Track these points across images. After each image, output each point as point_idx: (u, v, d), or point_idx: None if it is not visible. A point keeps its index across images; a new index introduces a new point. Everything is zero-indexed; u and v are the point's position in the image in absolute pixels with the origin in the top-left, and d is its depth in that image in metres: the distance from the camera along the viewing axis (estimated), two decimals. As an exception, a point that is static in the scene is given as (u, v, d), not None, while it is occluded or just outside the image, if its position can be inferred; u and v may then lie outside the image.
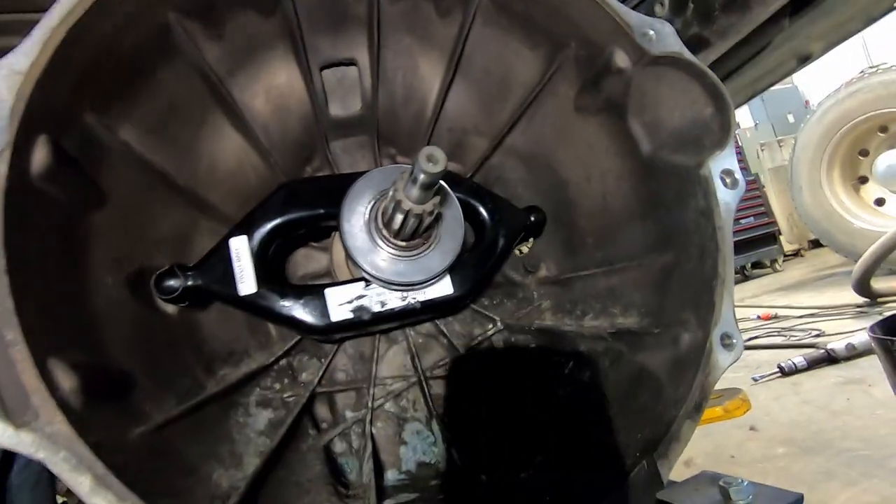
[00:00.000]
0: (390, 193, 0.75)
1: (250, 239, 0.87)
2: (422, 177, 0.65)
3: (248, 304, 0.84)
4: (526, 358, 1.08)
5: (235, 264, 0.85)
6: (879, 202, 5.90)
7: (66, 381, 0.54)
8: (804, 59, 1.88)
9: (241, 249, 0.85)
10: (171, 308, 0.87)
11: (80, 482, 0.50)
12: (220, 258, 0.85)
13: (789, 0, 1.19)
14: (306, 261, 1.09)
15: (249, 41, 0.92)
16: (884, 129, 5.71)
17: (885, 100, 5.52)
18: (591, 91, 0.98)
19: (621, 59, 0.90)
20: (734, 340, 0.74)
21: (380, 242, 0.83)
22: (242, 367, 0.96)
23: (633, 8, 1.58)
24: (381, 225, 0.82)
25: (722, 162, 0.83)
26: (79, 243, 0.69)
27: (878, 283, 4.29)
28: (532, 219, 1.07)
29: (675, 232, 0.88)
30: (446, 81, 1.09)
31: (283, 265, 1.03)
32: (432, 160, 0.63)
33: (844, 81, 5.75)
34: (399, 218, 0.77)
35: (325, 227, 1.01)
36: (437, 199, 0.73)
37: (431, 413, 1.04)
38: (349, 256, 0.84)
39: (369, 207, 0.83)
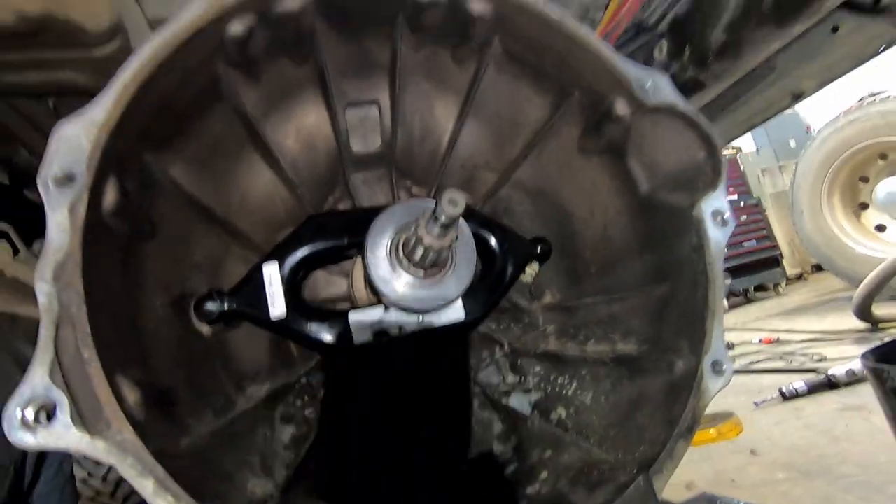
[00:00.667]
0: (413, 229, 0.83)
1: (281, 266, 0.95)
2: (443, 217, 0.73)
3: (277, 326, 0.92)
4: (535, 378, 1.15)
5: (268, 289, 0.93)
6: (880, 228, 5.97)
7: (131, 395, 0.62)
8: (798, 97, 1.98)
9: (273, 276, 0.94)
10: (205, 329, 0.95)
11: (145, 485, 0.57)
12: (254, 284, 0.93)
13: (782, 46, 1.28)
14: (327, 284, 1.16)
15: (283, 86, 1.02)
16: (883, 156, 5.81)
17: (883, 128, 5.64)
18: (593, 134, 1.07)
19: (621, 108, 0.99)
20: (724, 367, 0.81)
21: (400, 271, 0.91)
22: (268, 384, 1.03)
23: (636, 51, 1.69)
24: (402, 255, 0.90)
25: (713, 202, 0.91)
26: (136, 270, 0.77)
27: (879, 309, 4.33)
28: (538, 249, 1.15)
29: (671, 265, 0.95)
30: (460, 121, 1.19)
31: (303, 289, 1.11)
32: (453, 203, 0.71)
33: (843, 110, 5.88)
34: (420, 251, 0.85)
35: (346, 255, 1.10)
36: (454, 235, 0.81)
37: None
38: (371, 284, 0.92)
39: (391, 239, 0.91)
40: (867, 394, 2.97)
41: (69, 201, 0.63)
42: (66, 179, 0.65)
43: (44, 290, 0.60)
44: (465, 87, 1.14)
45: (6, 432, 0.56)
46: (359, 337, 0.94)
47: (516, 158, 1.21)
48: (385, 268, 0.91)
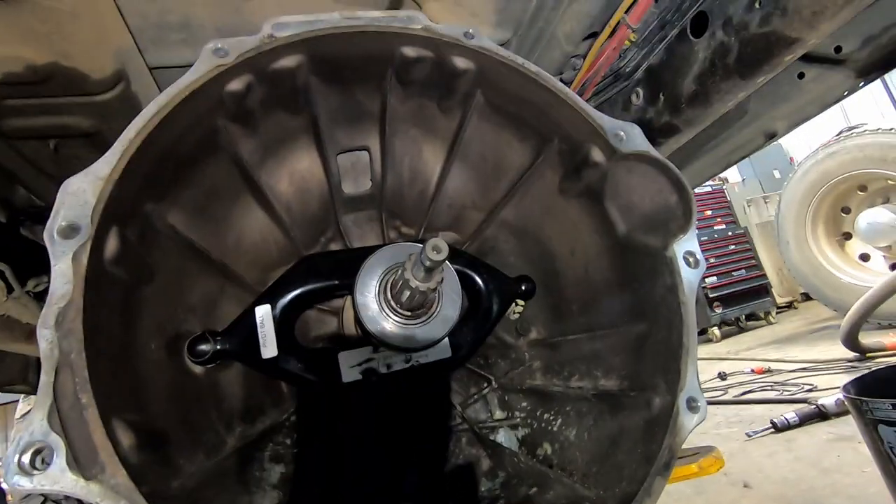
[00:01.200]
0: (400, 272, 0.87)
1: (273, 307, 0.98)
2: (427, 262, 0.78)
3: (268, 366, 0.95)
4: (522, 413, 1.17)
5: (259, 331, 0.96)
6: (864, 258, 6.09)
7: (126, 438, 0.64)
8: (771, 136, 2.08)
9: (265, 317, 0.97)
10: (198, 369, 0.97)
11: (137, 527, 0.59)
12: (246, 325, 0.96)
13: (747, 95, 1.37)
14: (318, 323, 1.20)
15: (279, 135, 1.07)
16: (863, 187, 5.98)
17: (861, 161, 5.82)
18: (572, 178, 1.13)
19: (597, 155, 1.05)
20: (698, 403, 0.84)
21: (388, 312, 0.94)
22: (258, 424, 1.05)
23: (614, 96, 1.78)
24: (389, 296, 0.94)
25: (685, 244, 0.96)
26: (134, 315, 0.80)
27: (866, 339, 4.38)
28: (522, 288, 1.19)
29: (647, 304, 1.00)
30: (447, 165, 1.25)
31: (294, 328, 1.14)
32: (436, 250, 0.76)
33: (822, 143, 6.08)
34: (407, 293, 0.89)
35: (337, 294, 1.13)
36: (439, 278, 0.85)
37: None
38: (361, 324, 0.96)
39: (380, 281, 0.95)
40: (853, 425, 3.00)
41: (73, 251, 0.67)
42: (71, 230, 0.69)
43: (46, 336, 0.63)
44: (451, 135, 1.21)
45: (4, 478, 0.58)
46: (347, 376, 0.97)
47: (501, 200, 1.27)
48: (374, 308, 0.94)
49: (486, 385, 1.26)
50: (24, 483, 0.58)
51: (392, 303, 0.94)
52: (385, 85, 1.09)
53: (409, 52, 1.02)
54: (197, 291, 1.01)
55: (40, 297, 2.00)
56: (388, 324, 0.95)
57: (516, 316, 1.30)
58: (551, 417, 1.12)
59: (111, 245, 0.73)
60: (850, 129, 6.12)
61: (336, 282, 1.02)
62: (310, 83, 1.01)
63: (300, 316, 1.13)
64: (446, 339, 1.05)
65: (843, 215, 6.22)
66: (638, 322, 1.02)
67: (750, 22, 1.17)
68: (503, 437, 1.22)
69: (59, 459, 0.59)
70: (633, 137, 1.03)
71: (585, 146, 1.06)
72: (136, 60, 1.52)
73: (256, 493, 0.92)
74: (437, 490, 1.13)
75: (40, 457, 0.59)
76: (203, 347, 0.93)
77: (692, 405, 0.84)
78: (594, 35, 1.71)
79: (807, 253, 6.20)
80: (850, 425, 3.02)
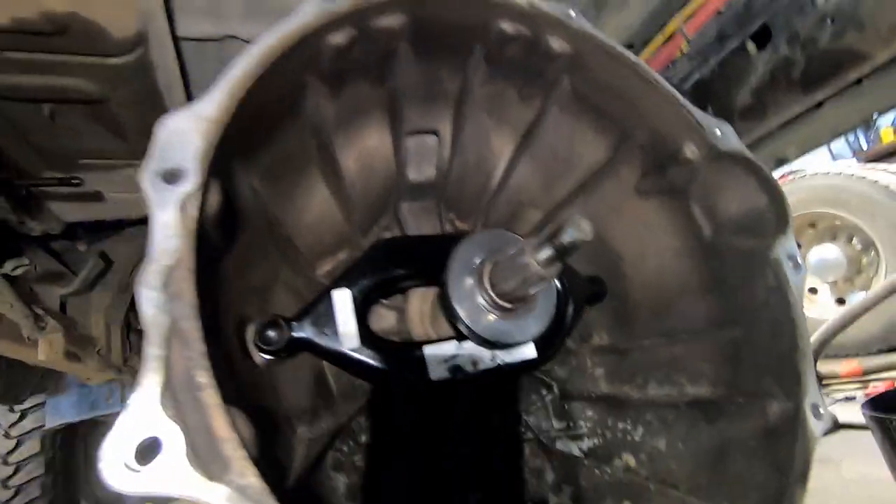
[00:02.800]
0: (514, 256, 0.79)
1: (353, 293, 0.87)
2: (566, 243, 0.70)
3: (349, 359, 0.83)
4: (588, 423, 1.10)
5: (339, 318, 0.84)
6: (813, 291, 6.50)
7: (246, 429, 0.52)
8: (781, 161, 2.15)
9: (344, 302, 0.85)
10: (260, 359, 0.84)
11: (271, 540, 0.46)
12: (322, 311, 0.84)
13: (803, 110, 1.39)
14: (377, 318, 1.08)
15: (356, 105, 0.97)
16: (812, 224, 6.42)
17: (812, 202, 6.26)
18: (653, 176, 1.09)
19: (690, 152, 1.02)
20: (822, 410, 0.80)
21: (484, 303, 0.85)
22: (316, 427, 0.92)
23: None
24: (488, 286, 0.85)
25: (786, 246, 0.93)
26: (217, 289, 0.67)
27: (821, 367, 4.64)
28: (597, 289, 1.13)
29: (743, 308, 0.96)
30: (515, 158, 1.18)
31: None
32: (582, 231, 0.68)
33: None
34: (515, 282, 0.80)
35: (403, 286, 1.03)
36: (560, 267, 0.78)
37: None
38: (451, 314, 0.86)
39: (477, 268, 0.86)
40: (836, 443, 3.11)
41: (180, 200, 0.55)
42: (173, 176, 0.57)
43: (150, 298, 0.51)
44: (526, 125, 1.15)
45: (102, 473, 0.45)
46: (435, 373, 0.86)
47: (566, 198, 1.21)
48: (469, 298, 0.85)
49: (546, 392, 1.18)
50: (130, 481, 0.45)
51: (491, 293, 0.85)
52: (470, 62, 1.02)
53: (507, 27, 0.95)
54: (258, 272, 0.89)
55: (13, 282, 1.74)
56: (482, 315, 0.86)
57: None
58: (628, 427, 1.06)
59: (213, 198, 0.61)
60: (793, 173, 6.60)
61: (419, 269, 0.92)
62: (399, 50, 0.93)
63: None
64: (531, 340, 0.97)
65: (795, 250, 6.61)
66: (730, 327, 0.97)
67: (819, 37, 1.19)
68: (565, 447, 1.14)
69: (177, 452, 0.46)
70: (729, 136, 1.00)
71: (677, 142, 1.02)
72: (161, 25, 1.38)
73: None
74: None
75: (148, 450, 0.46)
76: (272, 334, 0.80)
77: (815, 412, 0.80)
78: (629, 47, 1.72)
79: (762, 284, 6.53)
80: (829, 445, 3.13)
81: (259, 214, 0.81)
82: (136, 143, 1.71)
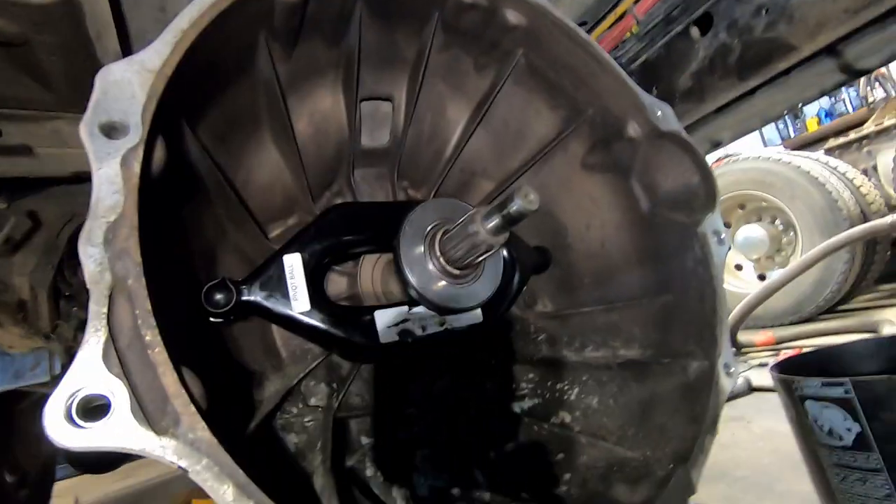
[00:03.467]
0: (464, 224, 0.81)
1: (303, 257, 0.87)
2: (513, 212, 0.73)
3: (299, 323, 0.84)
4: (529, 385, 1.17)
5: (289, 281, 0.84)
6: (738, 267, 7.03)
7: (195, 386, 0.52)
8: (716, 144, 2.29)
9: (295, 266, 0.85)
10: (208, 321, 0.83)
11: (224, 491, 0.48)
12: (272, 275, 0.84)
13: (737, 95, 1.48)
14: (329, 283, 1.08)
15: (310, 65, 0.95)
16: (742, 205, 6.89)
17: (742, 183, 6.70)
18: (600, 152, 1.14)
19: (633, 130, 1.07)
20: (732, 369, 0.89)
21: (436, 269, 0.88)
22: (265, 389, 0.93)
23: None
24: (438, 252, 0.87)
25: (713, 223, 1.01)
26: (163, 248, 0.66)
27: (740, 336, 5.07)
28: (543, 259, 1.18)
29: (674, 276, 1.04)
30: (469, 127, 1.20)
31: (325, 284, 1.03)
32: (529, 201, 0.71)
33: (712, 165, 6.90)
34: (464, 249, 0.83)
35: (355, 252, 1.03)
36: (507, 235, 0.81)
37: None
38: (404, 279, 0.87)
39: (428, 235, 0.88)
40: (744, 406, 3.44)
41: (121, 154, 0.53)
42: (114, 129, 0.54)
43: (93, 256, 0.49)
44: (480, 95, 1.16)
45: (47, 430, 0.44)
46: (384, 336, 0.89)
47: (517, 169, 1.25)
48: (420, 264, 0.87)
49: (490, 355, 1.24)
50: (76, 438, 0.44)
51: (441, 259, 0.87)
52: (427, 29, 1.01)
53: (465, -5, 0.95)
54: (207, 233, 0.87)
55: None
56: (432, 282, 0.88)
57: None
58: (566, 387, 1.13)
59: (158, 153, 0.59)
60: (728, 156, 7.02)
61: (371, 234, 0.93)
62: (355, 11, 0.91)
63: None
64: (478, 305, 1.00)
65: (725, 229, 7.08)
66: (663, 293, 1.05)
67: (755, 26, 1.26)
68: (504, 407, 1.21)
69: (122, 408, 0.46)
70: (669, 117, 1.06)
71: (623, 120, 1.07)
72: (93, -37, 1.26)
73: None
74: (445, 461, 1.09)
75: (93, 407, 0.46)
76: (220, 297, 0.79)
77: (728, 371, 0.89)
78: (582, 24, 1.76)
79: (694, 260, 6.98)
80: (738, 408, 3.46)
81: (208, 174, 0.79)
82: (63, 94, 1.57)
